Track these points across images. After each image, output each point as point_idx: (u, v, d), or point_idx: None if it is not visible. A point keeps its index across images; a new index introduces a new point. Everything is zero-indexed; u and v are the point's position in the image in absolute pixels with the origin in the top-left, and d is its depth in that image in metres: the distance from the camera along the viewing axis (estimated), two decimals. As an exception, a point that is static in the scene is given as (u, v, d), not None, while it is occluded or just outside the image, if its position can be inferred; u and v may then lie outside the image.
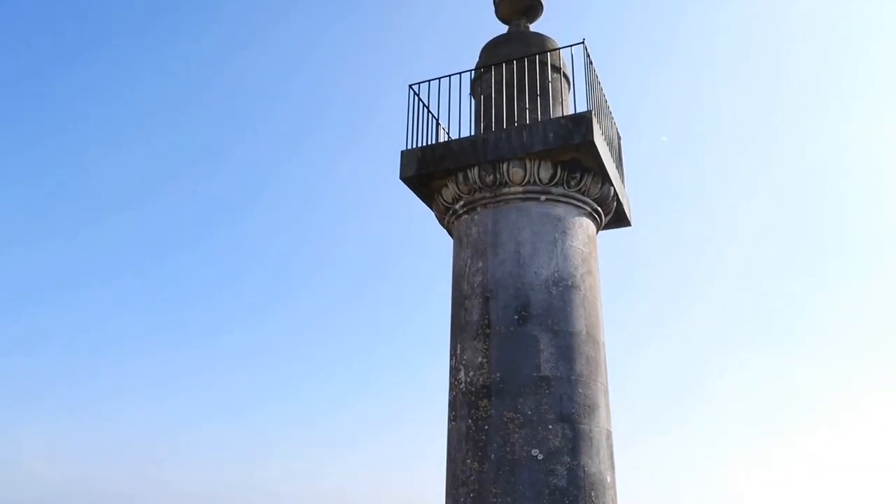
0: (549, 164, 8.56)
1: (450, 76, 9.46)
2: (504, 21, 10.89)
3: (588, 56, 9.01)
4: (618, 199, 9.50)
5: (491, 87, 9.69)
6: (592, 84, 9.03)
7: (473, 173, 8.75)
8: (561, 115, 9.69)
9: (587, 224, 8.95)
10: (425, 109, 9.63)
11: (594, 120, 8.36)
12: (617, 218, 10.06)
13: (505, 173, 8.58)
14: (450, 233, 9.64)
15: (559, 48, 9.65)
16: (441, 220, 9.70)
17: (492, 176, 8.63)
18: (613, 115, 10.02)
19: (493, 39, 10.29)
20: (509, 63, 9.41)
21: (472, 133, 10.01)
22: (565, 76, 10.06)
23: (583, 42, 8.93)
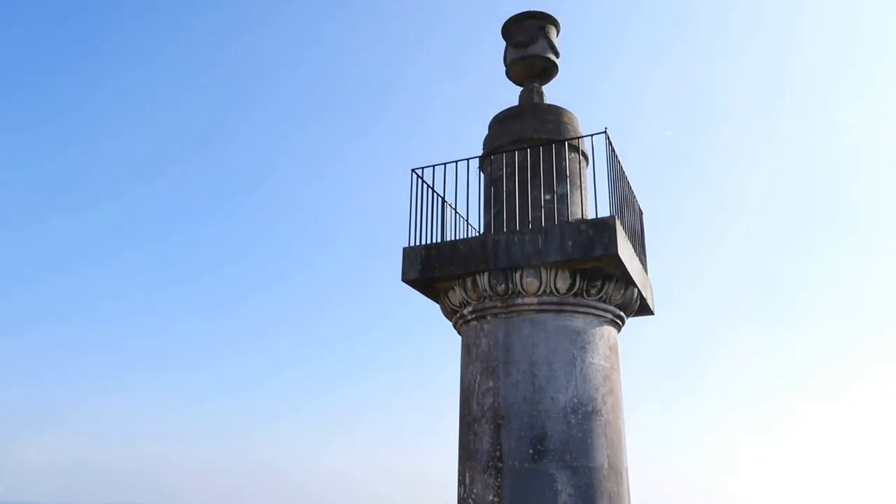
0: (567, 274, 7.89)
1: (456, 162, 8.75)
2: (516, 83, 10.14)
3: (610, 145, 8.31)
4: (641, 297, 8.84)
5: (502, 169, 8.98)
6: (615, 176, 8.33)
7: (483, 280, 8.09)
8: (580, 197, 8.98)
9: (608, 334, 8.29)
10: (430, 190, 8.94)
11: (617, 226, 7.68)
12: (639, 309, 9.40)
13: (518, 283, 7.92)
14: (457, 331, 9.01)
15: (578, 137, 8.92)
16: (446, 316, 9.07)
17: (503, 285, 7.97)
18: (634, 186, 9.33)
19: (505, 112, 9.52)
20: (522, 150, 8.70)
21: (482, 214, 9.34)
22: (583, 154, 9.32)
23: (604, 131, 8.21)
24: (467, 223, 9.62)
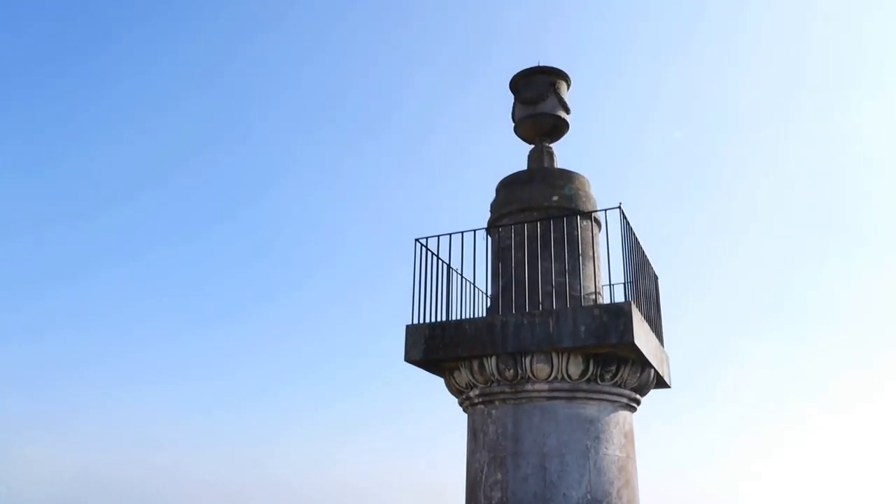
0: (580, 359, 7.53)
1: (462, 232, 8.43)
2: (524, 140, 9.82)
3: (624, 219, 7.97)
4: (658, 374, 8.49)
5: (511, 238, 8.65)
6: (630, 251, 7.99)
7: (490, 364, 7.74)
8: (592, 267, 8.64)
9: (624, 420, 7.93)
10: (434, 259, 8.61)
11: (633, 311, 7.32)
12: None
13: (528, 368, 7.57)
14: (462, 409, 8.68)
15: (592, 211, 8.58)
16: (452, 394, 8.73)
17: (512, 370, 7.62)
18: (649, 252, 9.00)
19: (512, 177, 9.18)
20: (532, 223, 8.37)
21: (489, 282, 9.01)
22: (596, 220, 8.98)
23: (619, 207, 7.86)
24: (474, 286, 9.31)
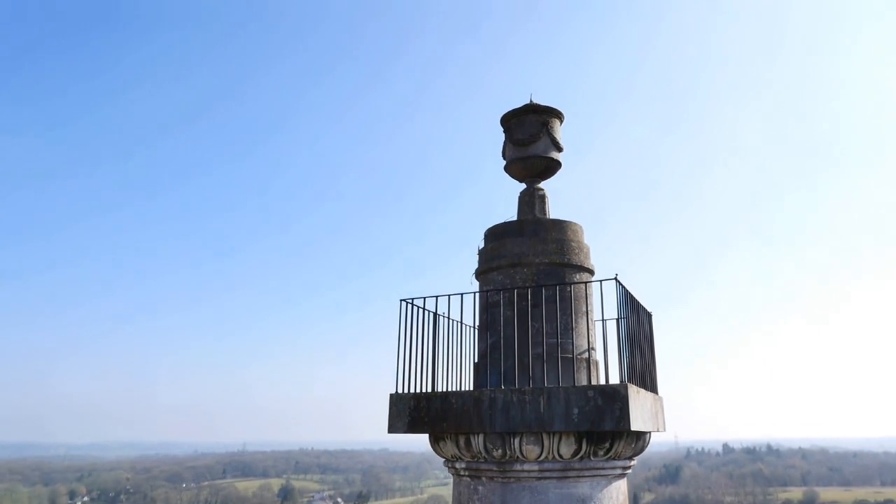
0: (573, 439, 7.38)
1: (448, 296, 8.13)
2: (515, 179, 9.43)
3: (622, 287, 7.70)
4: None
5: (500, 295, 8.39)
6: (626, 322, 7.77)
7: (478, 442, 7.60)
8: (585, 324, 8.44)
9: (617, 490, 7.86)
10: (420, 322, 8.34)
11: (630, 394, 7.15)
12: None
13: (516, 449, 7.43)
14: (449, 472, 8.60)
15: (585, 282, 8.29)
16: (438, 455, 8.64)
17: (500, 450, 7.49)
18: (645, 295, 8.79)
19: (502, 227, 8.81)
20: (522, 290, 8.08)
21: (477, 337, 8.80)
22: (588, 270, 8.72)
23: (615, 278, 7.58)
24: (461, 324, 9.07)
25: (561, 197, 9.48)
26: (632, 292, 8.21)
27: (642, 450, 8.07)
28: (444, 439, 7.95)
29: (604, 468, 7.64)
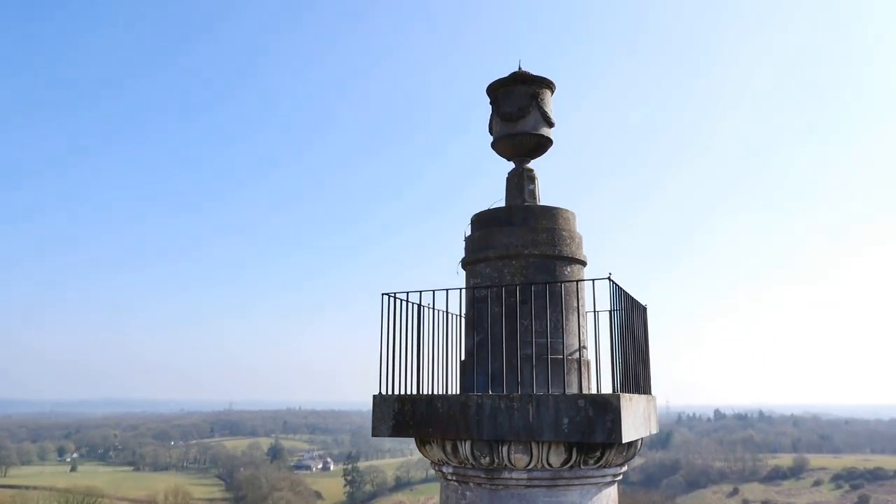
0: (562, 448, 7.22)
1: (433, 291, 7.92)
2: (503, 157, 9.09)
3: (617, 287, 7.48)
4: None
5: (486, 291, 8.15)
6: (620, 322, 7.55)
7: (465, 448, 7.43)
8: (576, 322, 8.23)
9: (608, 497, 7.74)
10: (403, 318, 8.11)
11: (622, 404, 6.97)
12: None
13: (505, 457, 7.27)
14: (435, 474, 8.45)
15: (578, 280, 8.04)
16: (424, 456, 8.49)
17: (488, 458, 7.32)
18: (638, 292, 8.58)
19: (489, 214, 8.53)
20: (511, 287, 7.85)
21: (463, 331, 8.59)
22: (580, 262, 8.48)
23: (608, 277, 7.35)
24: (447, 313, 8.85)
25: (552, 159, 9.09)
26: (626, 290, 8.00)
27: (633, 456, 7.94)
28: (430, 443, 7.79)
29: (594, 476, 7.49)
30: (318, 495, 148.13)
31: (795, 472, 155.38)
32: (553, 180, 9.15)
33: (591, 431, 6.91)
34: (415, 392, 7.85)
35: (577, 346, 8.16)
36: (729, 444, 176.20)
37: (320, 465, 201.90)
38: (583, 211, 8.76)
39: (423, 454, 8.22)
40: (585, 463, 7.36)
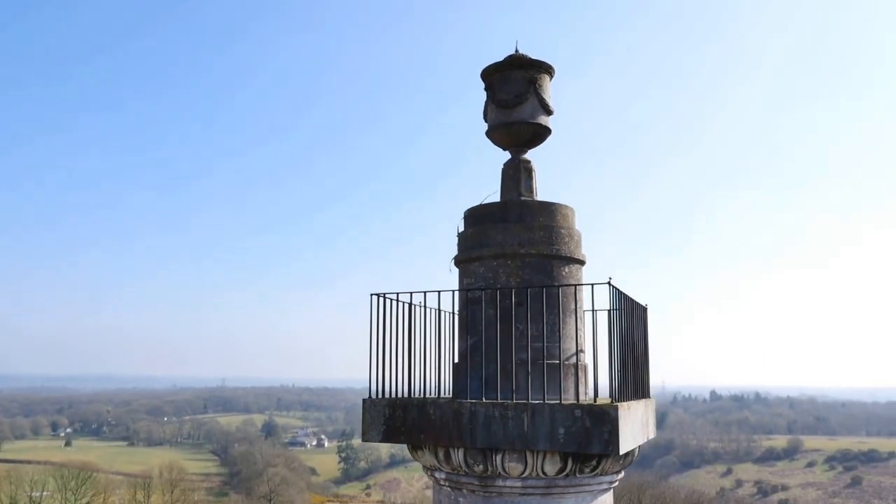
0: (558, 458, 7.08)
1: (424, 292, 7.73)
2: (498, 146, 8.84)
3: (617, 291, 7.29)
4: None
5: (480, 292, 7.97)
6: (620, 327, 7.37)
7: (458, 456, 7.29)
8: (574, 324, 8.06)
9: (603, 503, 7.65)
10: (392, 309, 7.92)
11: (620, 415, 6.81)
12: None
13: (498, 465, 7.12)
14: (428, 478, 8.32)
15: (576, 284, 7.85)
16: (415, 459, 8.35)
17: (482, 466, 7.18)
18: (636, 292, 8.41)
19: (484, 210, 8.31)
20: (506, 290, 7.66)
21: (456, 332, 8.41)
22: (580, 261, 8.29)
23: (608, 282, 7.16)
24: (439, 311, 8.66)
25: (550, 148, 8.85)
26: (626, 293, 7.81)
27: (631, 463, 7.81)
28: (422, 449, 7.64)
29: (589, 484, 7.37)
30: (313, 471, 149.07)
31: (789, 453, 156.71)
32: (549, 166, 8.88)
33: (588, 442, 6.76)
34: (406, 395, 7.69)
35: (573, 351, 8.00)
36: (724, 426, 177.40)
37: (315, 442, 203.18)
38: (580, 191, 8.59)
39: (414, 458, 8.09)
40: (581, 472, 7.22)
